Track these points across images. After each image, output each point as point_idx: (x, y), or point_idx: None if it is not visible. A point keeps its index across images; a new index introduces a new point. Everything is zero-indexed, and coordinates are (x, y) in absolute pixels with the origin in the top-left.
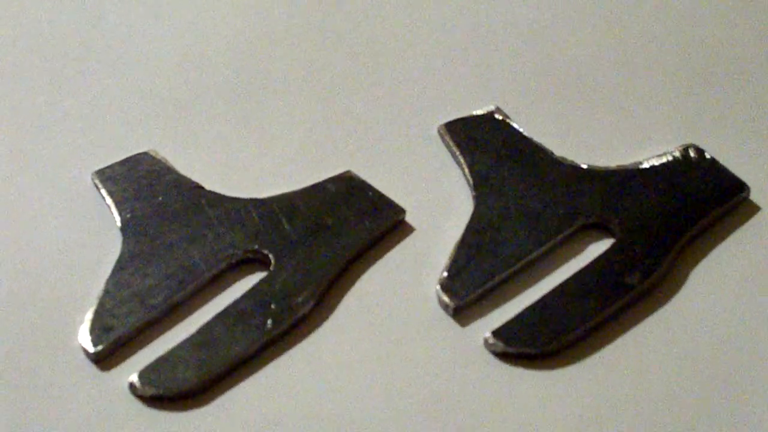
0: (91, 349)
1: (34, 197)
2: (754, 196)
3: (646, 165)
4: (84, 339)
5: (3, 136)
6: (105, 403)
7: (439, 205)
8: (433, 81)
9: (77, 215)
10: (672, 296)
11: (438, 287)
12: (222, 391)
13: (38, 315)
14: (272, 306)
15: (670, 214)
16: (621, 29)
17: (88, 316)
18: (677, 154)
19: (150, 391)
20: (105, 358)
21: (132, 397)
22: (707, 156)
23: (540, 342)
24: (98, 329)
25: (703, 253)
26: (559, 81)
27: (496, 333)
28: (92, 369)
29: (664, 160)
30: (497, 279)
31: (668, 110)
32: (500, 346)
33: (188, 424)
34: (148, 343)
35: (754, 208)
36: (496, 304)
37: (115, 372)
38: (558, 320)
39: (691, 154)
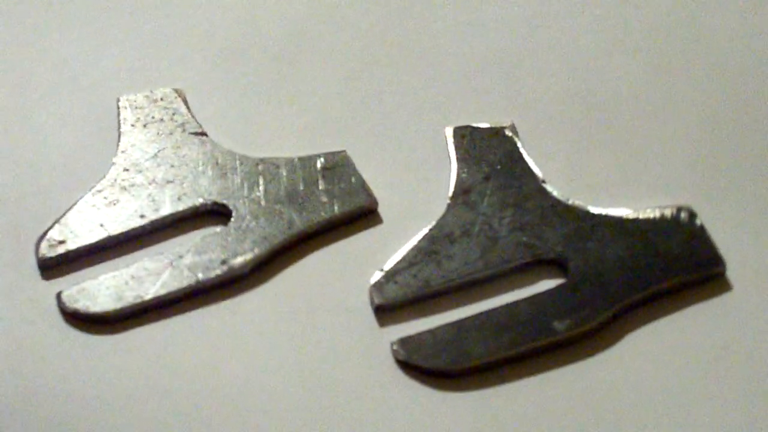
0: (38, 255)
1: (63, 106)
2: (733, 275)
3: (631, 215)
4: (37, 245)
5: (61, 45)
6: (32, 308)
7: (417, 205)
8: (465, 85)
9: (91, 132)
10: (599, 352)
11: (371, 283)
12: (137, 326)
13: (13, 214)
14: (209, 261)
15: (631, 270)
16: (660, 75)
17: (52, 226)
18: (668, 212)
19: (71, 308)
20: (50, 268)
21: (56, 310)
22: (697, 222)
23: (441, 361)
24: (52, 240)
25: (652, 318)
26: (588, 114)
27: (403, 341)
28: (35, 275)
29: (650, 214)
30: (431, 290)
31: (685, 168)
32: (402, 354)
33: (94, 347)
34: (94, 266)
35: (726, 287)
36: (423, 314)
37: (53, 283)
38: (468, 345)
39: (682, 215)
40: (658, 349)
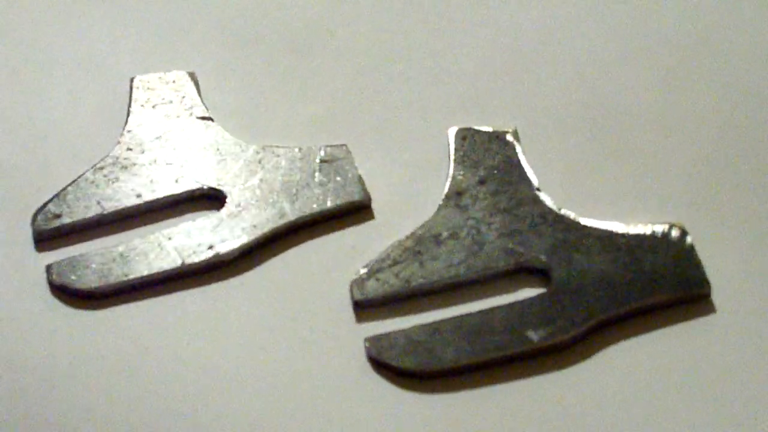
0: (34, 226)
1: (78, 83)
2: (718, 298)
3: (621, 229)
4: (34, 217)
5: (82, 23)
6: (21, 278)
7: (411, 203)
8: (475, 87)
9: (103, 110)
10: (572, 365)
11: (353, 278)
12: (120, 303)
13: (17, 184)
14: (197, 245)
15: (614, 285)
16: (668, 93)
17: (51, 199)
18: (659, 229)
19: (57, 281)
20: (44, 241)
21: (45, 282)
22: (688, 240)
23: (411, 361)
24: (49, 213)
25: (631, 334)
26: (592, 126)
27: (375, 339)
28: (30, 246)
29: (641, 230)
30: (411, 289)
31: (683, 187)
32: (373, 351)
33: (77, 321)
34: (87, 241)
35: (709, 309)
36: (402, 314)
37: (45, 255)
38: (440, 348)
39: (673, 233)
40: (632, 367)
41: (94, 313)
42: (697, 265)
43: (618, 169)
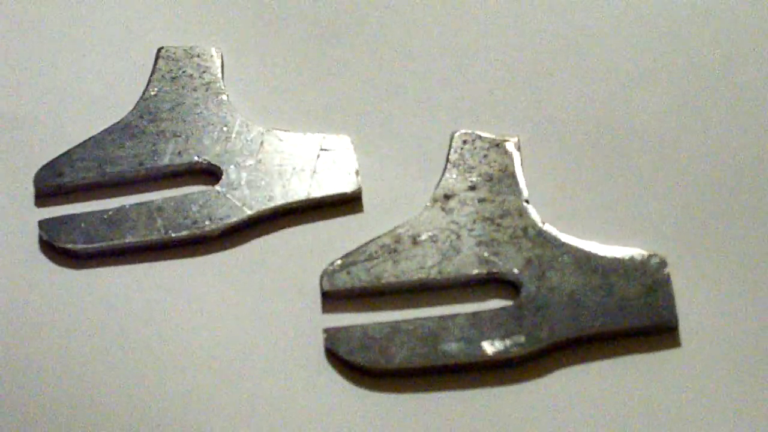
0: (35, 182)
1: (108, 48)
2: (684, 332)
3: (600, 251)
4: (38, 173)
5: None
6: (15, 230)
7: (403, 201)
8: (490, 94)
9: (127, 77)
10: (524, 381)
11: (325, 267)
12: (102, 266)
13: (29, 138)
14: (183, 218)
15: (581, 307)
16: (679, 123)
17: (57, 158)
18: (637, 255)
19: (46, 237)
20: (44, 197)
21: (36, 234)
22: (665, 271)
23: (363, 358)
24: (51, 170)
25: (588, 358)
26: (596, 145)
27: (333, 331)
28: (30, 200)
29: (620, 254)
30: (381, 286)
31: (674, 219)
32: (330, 343)
33: (58, 277)
34: (85, 202)
35: (674, 343)
36: (368, 309)
37: (43, 211)
38: (394, 348)
39: (651, 262)
40: (584, 391)
41: (77, 272)
42: (668, 297)
43: (612, 191)
